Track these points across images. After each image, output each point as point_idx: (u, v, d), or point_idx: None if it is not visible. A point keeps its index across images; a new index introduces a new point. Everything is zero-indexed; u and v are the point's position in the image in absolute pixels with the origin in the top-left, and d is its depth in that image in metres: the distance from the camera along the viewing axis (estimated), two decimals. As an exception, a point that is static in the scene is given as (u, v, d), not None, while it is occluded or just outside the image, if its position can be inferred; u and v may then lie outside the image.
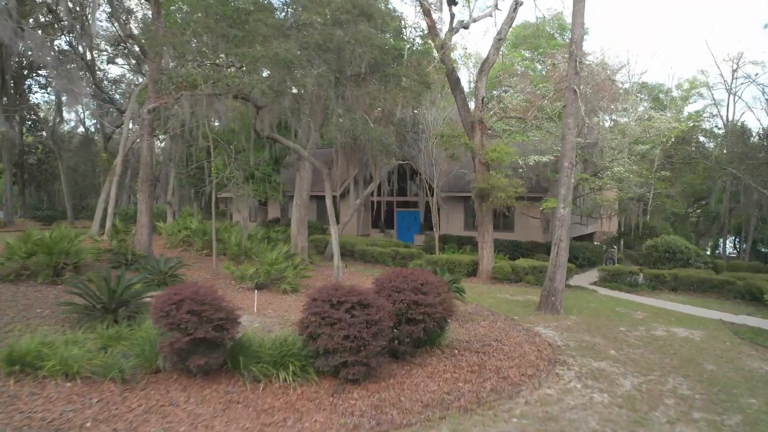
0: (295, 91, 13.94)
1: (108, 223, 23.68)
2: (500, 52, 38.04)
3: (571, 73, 13.60)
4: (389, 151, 14.05)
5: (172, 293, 6.96)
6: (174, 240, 21.81)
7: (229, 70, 12.04)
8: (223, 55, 12.11)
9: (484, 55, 19.19)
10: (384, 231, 30.63)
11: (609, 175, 22.49)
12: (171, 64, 15.47)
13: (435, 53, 19.06)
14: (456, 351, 8.95)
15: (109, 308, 9.77)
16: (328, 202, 15.15)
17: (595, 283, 20.58)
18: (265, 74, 13.79)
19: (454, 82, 19.53)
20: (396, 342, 7.95)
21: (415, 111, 24.74)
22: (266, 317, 11.53)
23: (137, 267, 14.84)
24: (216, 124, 20.73)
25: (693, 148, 24.52)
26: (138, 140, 25.76)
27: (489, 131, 19.72)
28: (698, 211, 44.59)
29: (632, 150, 25.47)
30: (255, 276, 13.95)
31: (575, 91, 13.48)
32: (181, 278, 14.36)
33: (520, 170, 22.66)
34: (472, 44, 70.19)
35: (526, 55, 42.56)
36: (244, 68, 12.08)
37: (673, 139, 24.71)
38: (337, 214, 29.88)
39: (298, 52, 12.25)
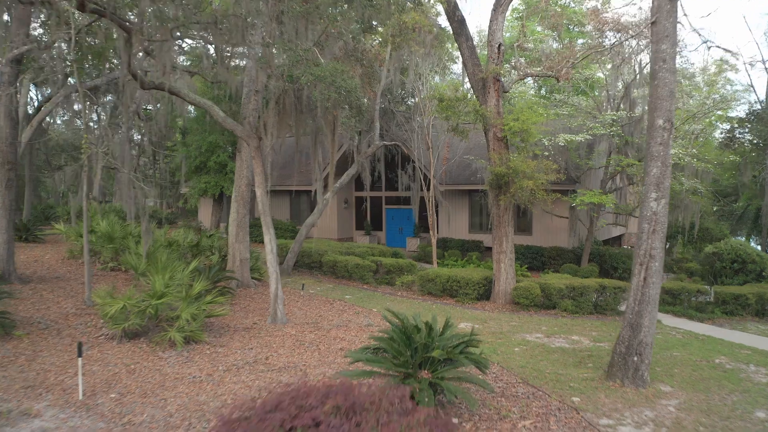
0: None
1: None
2: (505, 26, 32.43)
3: (664, -35, 7.79)
4: (352, 103, 8.24)
5: None
6: (76, 248, 15.99)
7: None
8: None
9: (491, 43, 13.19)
10: (370, 233, 24.78)
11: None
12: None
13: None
14: None
15: None
16: (259, 192, 9.33)
17: (648, 306, 15.00)
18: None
19: (458, 25, 13.68)
20: None
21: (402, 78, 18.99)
22: (90, 418, 5.75)
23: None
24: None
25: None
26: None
27: (506, 92, 13.85)
28: (716, 209, 39.17)
29: (681, 130, 19.83)
30: (122, 316, 8.12)
31: (673, -5, 7.68)
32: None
33: (546, 153, 16.90)
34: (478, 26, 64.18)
35: (538, 29, 37.04)
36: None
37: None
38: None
39: None
